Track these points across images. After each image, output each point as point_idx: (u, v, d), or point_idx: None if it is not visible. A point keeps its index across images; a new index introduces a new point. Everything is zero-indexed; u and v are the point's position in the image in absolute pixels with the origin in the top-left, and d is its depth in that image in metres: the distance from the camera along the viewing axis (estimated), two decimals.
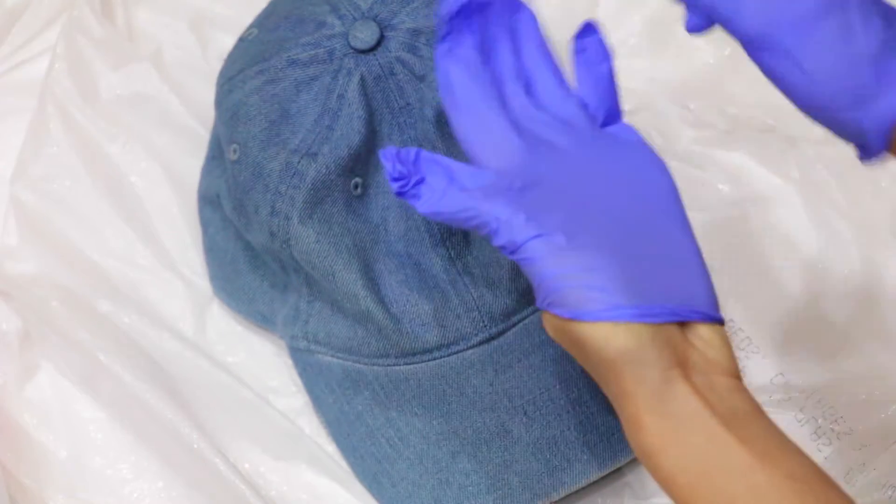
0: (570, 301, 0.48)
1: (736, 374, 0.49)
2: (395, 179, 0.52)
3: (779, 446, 0.46)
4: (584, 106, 0.56)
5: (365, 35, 0.63)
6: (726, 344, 0.50)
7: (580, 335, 0.49)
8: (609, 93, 0.56)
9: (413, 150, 0.53)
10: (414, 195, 0.52)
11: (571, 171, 0.53)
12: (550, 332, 0.51)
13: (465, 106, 0.54)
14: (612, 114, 0.56)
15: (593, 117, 0.55)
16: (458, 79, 0.54)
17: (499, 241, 0.51)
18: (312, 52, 0.64)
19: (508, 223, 0.50)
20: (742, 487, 0.45)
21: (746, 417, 0.47)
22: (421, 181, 0.52)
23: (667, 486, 0.47)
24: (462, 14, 0.55)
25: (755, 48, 0.48)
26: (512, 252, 0.50)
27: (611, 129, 0.55)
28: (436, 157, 0.53)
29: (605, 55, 0.57)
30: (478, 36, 0.55)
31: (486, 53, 0.56)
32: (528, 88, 0.56)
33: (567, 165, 0.53)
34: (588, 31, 0.57)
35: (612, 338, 0.48)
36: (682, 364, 0.48)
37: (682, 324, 0.49)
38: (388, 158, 0.53)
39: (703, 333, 0.49)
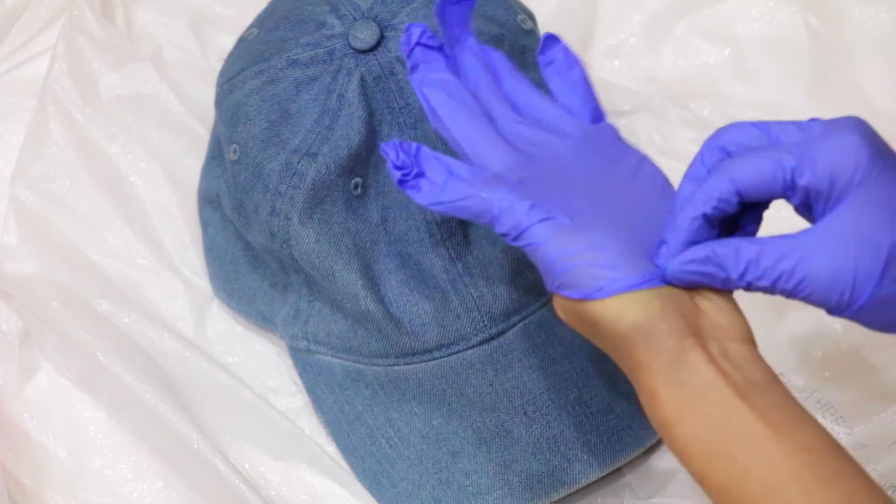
0: (580, 281, 0.49)
1: (750, 340, 0.49)
2: (398, 168, 0.53)
3: (794, 417, 0.46)
4: (569, 113, 0.56)
5: (365, 35, 0.63)
6: (738, 310, 0.50)
7: (592, 314, 0.49)
8: (588, 95, 0.57)
9: (414, 145, 0.54)
10: (414, 186, 0.53)
11: (566, 165, 0.53)
12: (561, 314, 0.51)
13: (453, 125, 0.55)
14: (596, 115, 0.57)
15: (579, 121, 0.56)
16: (438, 101, 0.55)
17: (502, 228, 0.51)
18: (312, 53, 0.64)
19: (511, 209, 0.51)
20: (756, 458, 0.45)
21: (762, 387, 0.47)
22: (421, 174, 0.53)
23: (682, 458, 0.47)
24: (426, 45, 0.56)
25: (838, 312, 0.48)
26: (516, 237, 0.51)
27: (598, 126, 0.56)
28: (435, 153, 0.54)
29: (573, 61, 0.58)
30: (450, 62, 0.56)
31: (463, 79, 0.57)
32: (513, 107, 0.56)
33: (561, 161, 0.54)
34: (549, 43, 0.58)
35: (623, 312, 0.48)
36: (696, 333, 0.48)
37: (692, 293, 0.50)
38: (391, 148, 0.53)
39: (714, 300, 0.50)
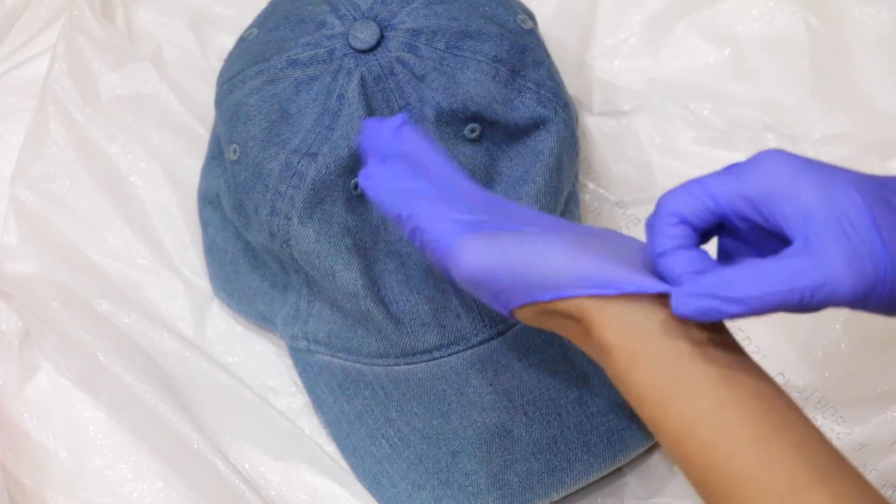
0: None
1: None
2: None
3: (745, 365, 0.47)
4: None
5: (365, 35, 0.63)
6: None
7: None
8: None
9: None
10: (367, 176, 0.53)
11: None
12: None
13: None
14: None
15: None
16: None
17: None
18: (312, 52, 0.64)
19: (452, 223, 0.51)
20: (709, 403, 0.45)
21: (714, 336, 0.47)
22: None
23: (638, 406, 0.47)
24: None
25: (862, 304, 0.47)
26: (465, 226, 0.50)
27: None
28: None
29: None
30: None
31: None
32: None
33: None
34: None
35: None
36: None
37: None
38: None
39: None
